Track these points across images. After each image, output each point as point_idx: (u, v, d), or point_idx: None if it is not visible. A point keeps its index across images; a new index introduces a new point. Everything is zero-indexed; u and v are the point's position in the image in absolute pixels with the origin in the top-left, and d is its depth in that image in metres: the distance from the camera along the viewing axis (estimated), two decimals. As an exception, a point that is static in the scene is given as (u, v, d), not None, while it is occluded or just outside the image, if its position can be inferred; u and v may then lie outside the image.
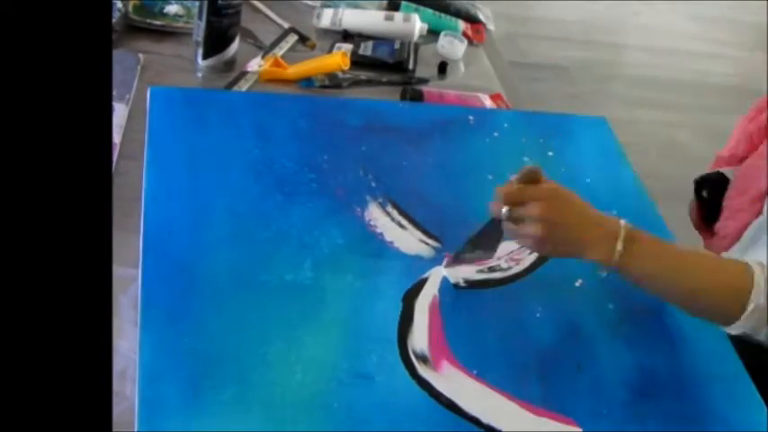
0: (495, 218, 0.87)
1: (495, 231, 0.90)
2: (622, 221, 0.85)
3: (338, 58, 1.22)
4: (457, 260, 0.93)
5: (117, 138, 1.04)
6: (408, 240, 0.96)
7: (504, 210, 0.84)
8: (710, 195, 1.13)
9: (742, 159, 1.08)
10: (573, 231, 0.85)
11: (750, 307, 0.82)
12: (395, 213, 0.99)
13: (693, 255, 0.90)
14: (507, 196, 0.85)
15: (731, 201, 1.06)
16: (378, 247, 0.94)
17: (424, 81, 1.31)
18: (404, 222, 0.98)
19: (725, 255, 1.05)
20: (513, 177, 0.87)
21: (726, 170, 1.12)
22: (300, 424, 0.75)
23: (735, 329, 0.86)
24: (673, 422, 0.85)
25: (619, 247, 0.83)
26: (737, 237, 1.04)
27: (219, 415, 0.74)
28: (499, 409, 0.81)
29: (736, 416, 0.87)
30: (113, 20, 1.20)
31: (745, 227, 1.03)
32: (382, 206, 0.99)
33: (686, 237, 1.16)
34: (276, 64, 1.22)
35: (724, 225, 1.08)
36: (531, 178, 0.87)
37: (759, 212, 1.00)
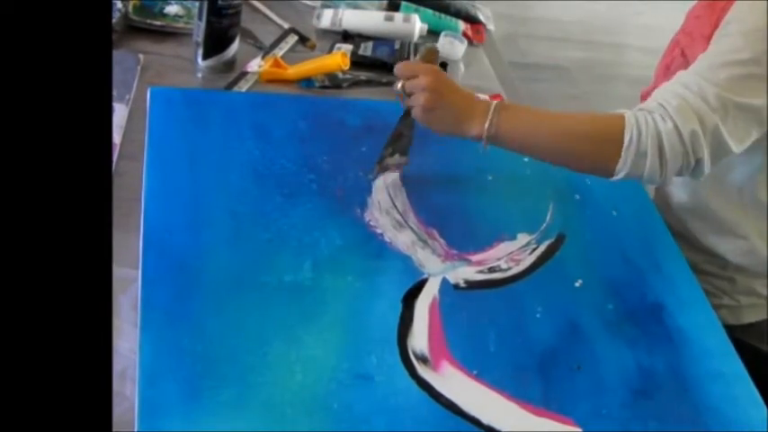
0: (404, 111, 0.99)
1: (405, 128, 1.01)
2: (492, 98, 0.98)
3: (338, 59, 1.22)
4: (381, 167, 1.02)
5: (117, 138, 1.04)
6: (408, 241, 0.96)
7: (399, 84, 0.96)
8: None
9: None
10: (455, 103, 0.94)
11: (626, 140, 0.88)
12: (395, 214, 0.99)
13: (565, 112, 0.96)
14: (400, 70, 0.96)
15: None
16: (377, 247, 0.94)
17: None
18: (404, 223, 0.98)
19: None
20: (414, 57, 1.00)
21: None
22: (300, 424, 0.75)
23: (619, 173, 0.90)
24: (672, 422, 0.85)
25: (491, 115, 0.92)
26: None
27: (219, 415, 0.74)
28: (499, 410, 0.81)
29: (736, 416, 0.87)
30: (113, 20, 1.20)
31: None
32: (382, 206, 0.99)
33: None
34: (276, 64, 1.22)
35: None
36: (429, 58, 1.00)
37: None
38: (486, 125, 0.92)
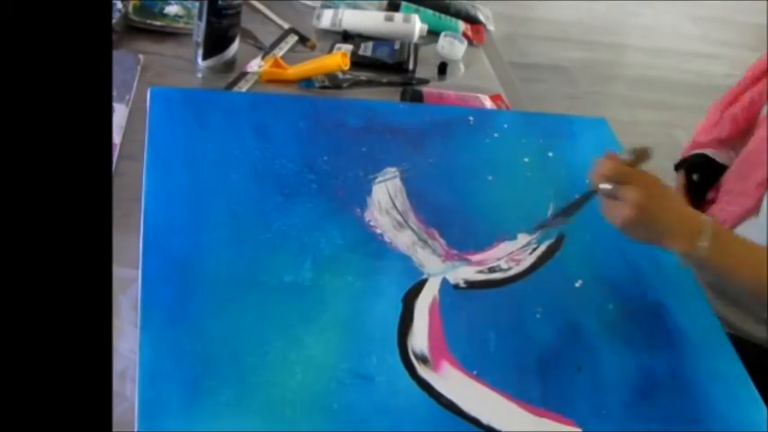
0: (593, 190, 0.90)
1: (583, 201, 0.94)
2: (708, 217, 0.87)
3: (338, 59, 1.22)
4: (540, 227, 0.98)
5: (117, 138, 1.04)
6: (408, 241, 0.96)
7: (609, 186, 0.87)
8: (701, 178, 1.13)
9: (723, 141, 1.08)
10: (663, 221, 0.87)
11: None
12: (395, 214, 0.99)
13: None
14: (614, 173, 0.86)
15: (731, 185, 1.06)
16: (377, 247, 0.94)
17: (424, 82, 1.31)
18: (404, 223, 0.98)
19: None
20: (623, 155, 0.89)
21: (710, 152, 1.12)
22: (300, 424, 0.75)
23: None
24: (673, 422, 0.85)
25: (702, 241, 0.85)
26: (736, 222, 1.05)
27: (219, 415, 0.74)
28: (499, 410, 0.81)
29: (736, 416, 0.87)
30: (113, 20, 1.21)
31: (747, 212, 1.03)
32: (382, 207, 0.99)
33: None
34: (276, 64, 1.22)
35: (724, 209, 1.07)
36: (640, 159, 0.88)
37: (761, 197, 1.00)
38: (699, 251, 0.86)
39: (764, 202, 0.99)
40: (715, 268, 0.89)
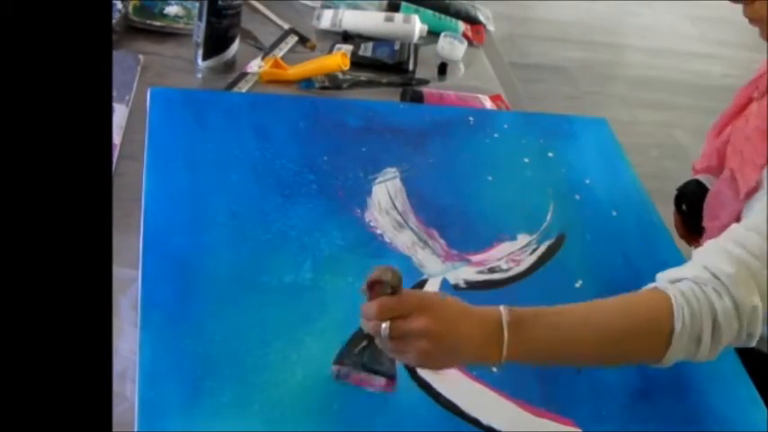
0: (368, 335, 0.75)
1: (368, 346, 0.79)
2: (501, 308, 0.74)
3: (338, 59, 1.22)
4: (340, 370, 0.81)
5: (117, 138, 1.04)
6: (408, 241, 0.96)
7: (384, 326, 0.70)
8: (690, 208, 1.12)
9: (714, 169, 1.06)
10: (459, 338, 0.72)
11: (677, 328, 0.74)
12: (395, 214, 0.99)
13: (590, 306, 0.78)
14: (386, 310, 0.71)
15: (707, 222, 1.03)
16: (377, 247, 0.94)
17: (424, 82, 1.31)
18: (404, 223, 0.98)
19: None
20: (368, 283, 0.72)
21: (703, 178, 1.11)
22: (300, 425, 0.75)
23: (668, 363, 0.76)
24: (672, 423, 0.85)
25: (506, 341, 0.72)
26: None
27: (219, 416, 0.74)
28: (499, 410, 0.81)
29: (735, 416, 0.87)
30: (113, 21, 1.20)
31: None
32: (382, 207, 0.99)
33: (685, 236, 1.16)
34: (276, 65, 1.22)
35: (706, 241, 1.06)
36: (398, 283, 0.71)
37: None
38: (504, 353, 0.72)
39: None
40: (536, 359, 0.76)
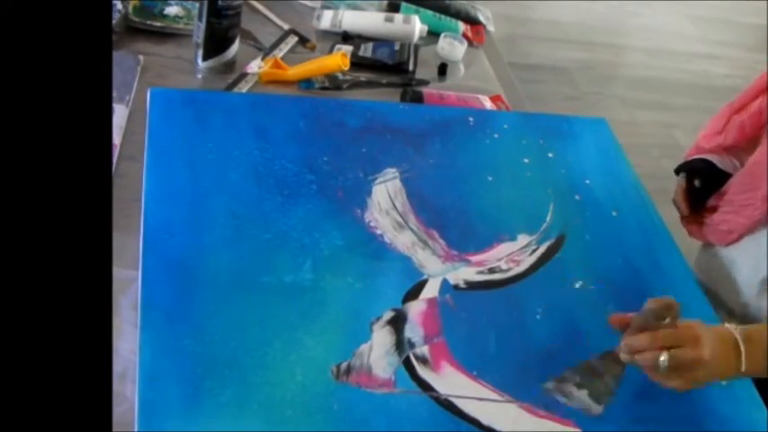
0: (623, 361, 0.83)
1: (608, 374, 0.86)
2: (726, 326, 0.83)
3: (338, 59, 1.22)
4: (558, 388, 0.86)
5: (117, 139, 1.04)
6: (408, 242, 0.96)
7: (664, 358, 0.78)
8: (703, 185, 1.12)
9: (728, 149, 1.07)
10: (714, 365, 0.80)
11: None
12: (395, 214, 0.99)
13: None
14: (665, 340, 0.79)
15: (735, 195, 1.04)
16: (377, 248, 0.94)
17: (424, 82, 1.31)
18: (404, 224, 0.98)
19: (728, 249, 1.06)
20: (646, 315, 0.82)
21: (712, 158, 1.11)
22: (300, 425, 0.75)
23: None
24: (673, 423, 0.85)
25: (744, 360, 0.81)
26: (744, 232, 1.03)
27: (219, 416, 0.74)
28: (499, 411, 0.81)
29: (736, 417, 0.87)
30: (113, 21, 1.20)
31: (755, 223, 1.01)
32: (382, 207, 0.99)
33: (685, 236, 1.16)
34: (276, 65, 1.22)
35: (725, 219, 1.06)
36: (668, 313, 0.80)
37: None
38: (744, 366, 0.81)
39: None
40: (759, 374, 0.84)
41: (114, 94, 1.10)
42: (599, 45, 3.30)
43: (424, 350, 0.84)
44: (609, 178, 1.14)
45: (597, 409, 0.84)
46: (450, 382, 0.82)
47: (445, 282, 0.92)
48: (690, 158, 1.15)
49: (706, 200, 1.11)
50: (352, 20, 1.37)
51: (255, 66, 1.23)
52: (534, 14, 3.36)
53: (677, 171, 1.17)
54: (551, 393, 0.84)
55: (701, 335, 0.79)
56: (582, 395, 0.85)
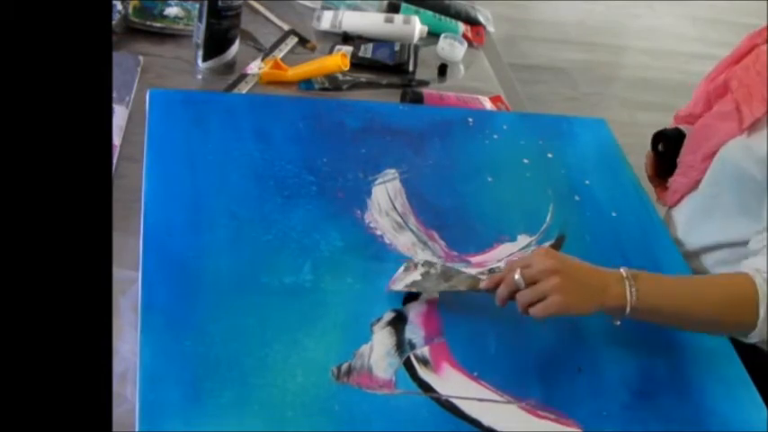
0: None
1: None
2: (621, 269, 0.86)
3: (338, 59, 1.22)
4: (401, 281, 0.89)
5: (117, 140, 1.04)
6: (408, 243, 0.96)
7: (518, 276, 0.82)
8: (666, 149, 1.15)
9: (696, 117, 1.10)
10: (585, 277, 0.84)
11: (762, 313, 0.85)
12: (395, 215, 0.99)
13: (693, 279, 0.93)
14: (514, 263, 0.85)
15: (684, 157, 1.09)
16: (377, 249, 0.94)
17: (424, 83, 1.31)
18: (404, 224, 0.98)
19: (675, 210, 1.11)
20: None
21: (684, 127, 1.14)
22: (301, 426, 0.75)
23: (752, 340, 0.89)
24: (673, 423, 0.85)
25: (628, 287, 0.83)
26: (686, 192, 1.08)
27: (220, 417, 0.74)
28: (500, 411, 0.81)
29: (736, 416, 0.87)
30: (113, 22, 1.20)
31: (694, 183, 1.05)
32: (382, 208, 0.99)
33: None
34: (276, 66, 1.22)
35: (675, 180, 1.10)
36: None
37: (705, 170, 1.03)
38: (628, 296, 0.83)
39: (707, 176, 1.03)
40: (650, 310, 0.85)
41: (114, 94, 1.10)
42: (599, 46, 3.30)
43: (424, 351, 0.84)
44: (608, 179, 1.14)
45: (434, 293, 0.90)
46: (451, 382, 0.82)
47: (445, 282, 0.92)
48: (665, 128, 1.18)
49: (674, 168, 1.13)
50: (352, 20, 1.37)
51: (255, 66, 1.23)
52: (534, 15, 3.36)
53: (652, 141, 1.20)
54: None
55: (550, 251, 0.86)
56: (420, 280, 0.89)
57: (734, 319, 0.88)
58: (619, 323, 0.87)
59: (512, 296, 0.84)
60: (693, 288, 0.90)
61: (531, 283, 0.82)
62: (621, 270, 0.85)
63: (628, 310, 0.84)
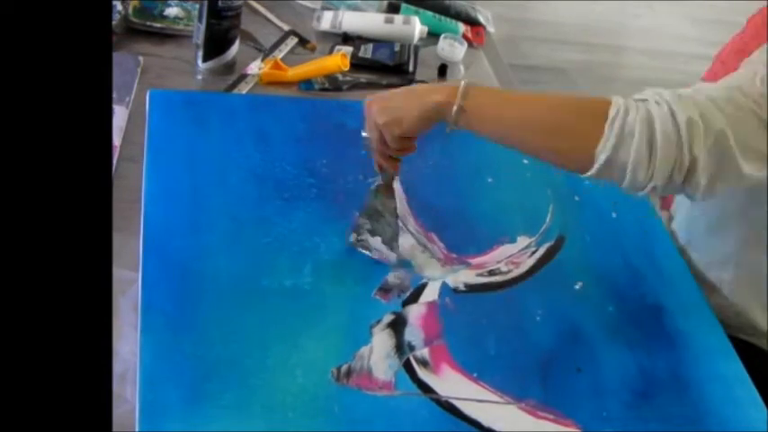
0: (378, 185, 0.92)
1: (384, 209, 0.93)
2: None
3: (338, 60, 1.22)
4: (358, 240, 0.93)
5: (117, 140, 1.04)
6: (407, 244, 0.96)
7: (365, 133, 0.88)
8: None
9: None
10: (411, 89, 0.87)
11: (611, 113, 0.76)
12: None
13: (540, 93, 0.85)
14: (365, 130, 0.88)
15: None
16: (378, 249, 0.94)
17: (424, 84, 1.31)
18: (403, 227, 0.98)
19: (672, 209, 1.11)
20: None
21: None
22: (301, 427, 0.75)
23: (599, 157, 0.76)
24: (673, 423, 0.85)
25: (461, 88, 0.80)
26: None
27: (220, 419, 0.74)
28: (500, 412, 0.81)
29: (736, 416, 0.87)
30: (113, 22, 1.20)
31: None
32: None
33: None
34: (276, 66, 1.22)
35: None
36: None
37: None
38: (460, 92, 0.80)
39: None
40: (484, 115, 0.82)
41: (114, 95, 1.09)
42: (599, 46, 3.30)
43: (424, 352, 0.84)
44: (609, 179, 1.14)
45: (392, 256, 0.92)
46: (451, 383, 0.82)
47: (445, 285, 0.92)
48: None
49: None
50: (352, 21, 1.37)
51: (255, 67, 1.22)
52: (534, 16, 3.36)
53: None
54: (355, 248, 0.92)
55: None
56: (377, 243, 0.92)
57: (575, 127, 0.78)
58: (449, 131, 0.83)
59: (383, 156, 0.89)
60: (535, 95, 0.84)
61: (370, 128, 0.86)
62: (459, 81, 0.82)
63: (454, 111, 0.80)
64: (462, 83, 0.82)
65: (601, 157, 0.76)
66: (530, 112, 0.81)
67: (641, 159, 0.74)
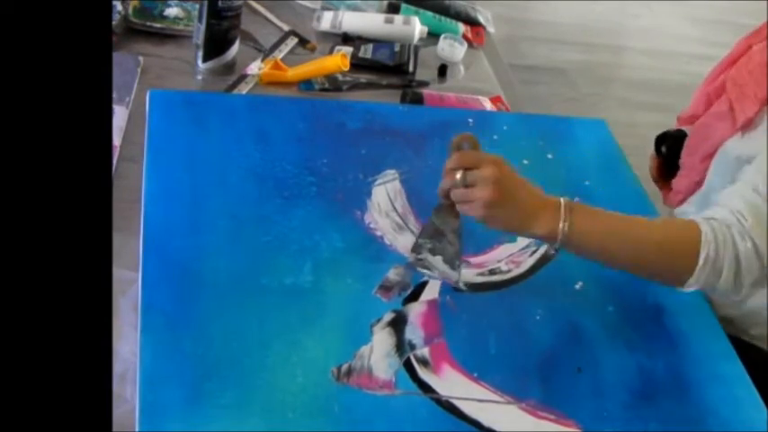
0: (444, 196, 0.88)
1: (447, 229, 0.91)
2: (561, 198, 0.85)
3: (338, 60, 1.22)
4: (417, 260, 0.93)
5: (117, 140, 1.04)
6: (408, 243, 0.96)
7: (459, 174, 0.83)
8: (669, 151, 1.17)
9: (697, 118, 1.11)
10: (523, 200, 0.84)
11: (701, 259, 0.83)
12: (395, 216, 0.99)
13: (635, 217, 0.89)
14: (462, 159, 0.84)
15: (685, 158, 1.10)
16: (377, 250, 0.94)
17: (424, 84, 1.31)
18: (404, 225, 0.98)
19: (679, 210, 1.12)
20: (453, 146, 0.88)
21: (687, 128, 1.15)
22: (301, 427, 0.75)
23: (690, 287, 0.86)
24: (673, 423, 0.85)
25: (563, 215, 0.83)
26: (688, 193, 1.09)
27: (220, 418, 0.74)
28: (500, 412, 0.81)
29: (736, 417, 0.87)
30: (113, 22, 1.20)
31: (695, 184, 1.06)
32: (381, 209, 0.99)
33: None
34: (276, 67, 1.22)
35: (678, 181, 1.12)
36: (472, 146, 0.88)
37: (705, 171, 1.04)
38: (561, 225, 0.83)
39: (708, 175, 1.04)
40: (584, 245, 0.86)
41: (114, 95, 1.10)
42: (599, 46, 3.30)
43: (424, 352, 0.84)
44: (608, 179, 1.14)
45: (454, 275, 0.91)
46: (451, 383, 0.82)
47: (445, 283, 0.92)
48: (669, 130, 1.18)
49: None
50: (352, 21, 1.37)
51: (255, 67, 1.23)
52: (534, 16, 3.36)
53: (656, 143, 1.22)
54: (416, 267, 0.92)
55: (502, 162, 0.84)
56: (437, 262, 0.92)
57: (669, 263, 0.86)
58: (553, 252, 0.88)
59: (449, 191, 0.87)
60: (632, 226, 0.88)
61: (471, 182, 0.83)
62: (561, 199, 0.84)
63: (558, 242, 0.84)
64: (563, 218, 0.83)
65: (691, 288, 0.86)
66: (629, 250, 0.87)
67: (728, 287, 0.85)
